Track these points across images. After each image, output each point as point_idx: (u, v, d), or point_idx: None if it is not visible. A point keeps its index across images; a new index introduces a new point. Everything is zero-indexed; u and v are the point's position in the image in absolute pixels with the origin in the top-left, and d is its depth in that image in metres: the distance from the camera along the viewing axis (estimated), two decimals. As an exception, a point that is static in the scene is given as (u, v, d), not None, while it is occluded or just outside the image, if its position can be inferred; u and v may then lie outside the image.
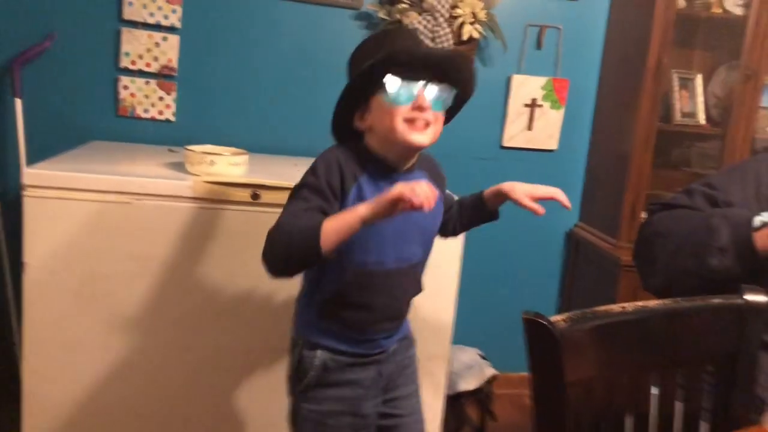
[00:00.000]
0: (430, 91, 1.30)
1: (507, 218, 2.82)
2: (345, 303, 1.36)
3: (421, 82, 1.28)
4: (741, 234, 1.32)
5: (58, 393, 1.85)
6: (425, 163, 1.45)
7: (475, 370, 2.44)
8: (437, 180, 1.44)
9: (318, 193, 1.27)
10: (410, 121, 1.29)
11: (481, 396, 2.48)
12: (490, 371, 2.45)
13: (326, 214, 1.23)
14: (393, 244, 1.35)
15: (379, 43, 1.35)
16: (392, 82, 1.27)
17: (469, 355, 2.50)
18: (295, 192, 1.31)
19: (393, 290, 1.39)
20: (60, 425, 1.86)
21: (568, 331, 0.97)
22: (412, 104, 1.28)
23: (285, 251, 1.22)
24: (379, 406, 1.46)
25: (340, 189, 1.29)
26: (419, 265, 1.44)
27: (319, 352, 1.38)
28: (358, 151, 1.35)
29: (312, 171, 1.32)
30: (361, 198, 1.29)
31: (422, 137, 1.31)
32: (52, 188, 1.76)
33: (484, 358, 2.55)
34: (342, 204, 1.29)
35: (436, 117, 1.32)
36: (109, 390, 1.87)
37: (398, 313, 1.44)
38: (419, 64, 1.29)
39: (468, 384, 2.41)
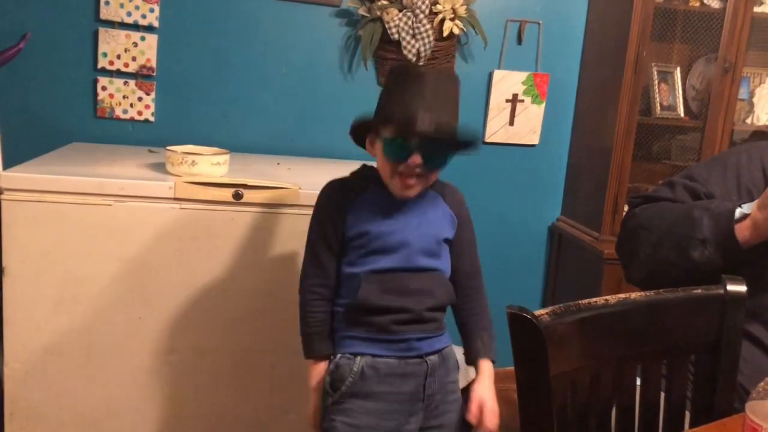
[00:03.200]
0: (425, 152, 1.34)
1: (489, 213, 2.85)
2: (366, 307, 1.40)
3: (415, 144, 1.33)
4: (723, 226, 1.33)
5: (39, 397, 1.83)
6: (443, 188, 1.52)
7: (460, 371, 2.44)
8: (453, 206, 1.50)
9: (322, 242, 1.45)
10: (401, 174, 1.37)
11: (465, 397, 2.47)
12: (473, 372, 2.45)
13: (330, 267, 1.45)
14: (399, 247, 1.41)
15: (400, 87, 1.37)
16: (387, 142, 1.36)
17: (457, 355, 2.50)
18: (307, 246, 1.49)
19: (410, 292, 1.41)
20: (43, 429, 1.84)
21: (552, 324, 0.98)
22: (403, 165, 1.35)
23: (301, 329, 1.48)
24: (419, 426, 1.42)
25: (341, 218, 1.44)
26: (432, 271, 1.45)
27: (358, 359, 1.40)
28: (365, 174, 1.50)
29: (313, 218, 1.49)
30: (357, 216, 1.42)
31: (410, 191, 1.40)
32: (31, 191, 1.74)
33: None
34: (347, 222, 1.43)
35: (428, 173, 1.39)
36: (92, 394, 1.86)
37: (424, 314, 1.42)
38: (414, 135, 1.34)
39: None
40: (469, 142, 1.40)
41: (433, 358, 1.44)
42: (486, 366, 1.49)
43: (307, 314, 1.45)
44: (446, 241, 1.47)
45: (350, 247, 1.43)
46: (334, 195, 1.47)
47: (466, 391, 1.49)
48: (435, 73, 1.39)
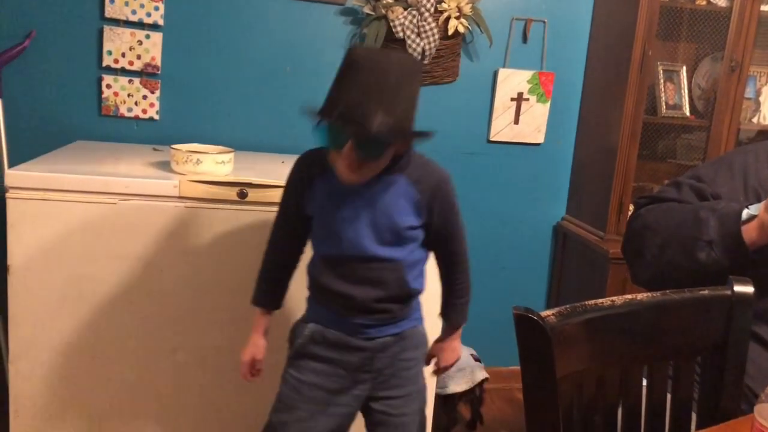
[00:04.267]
0: (359, 141, 1.28)
1: (494, 212, 2.85)
2: (320, 287, 1.46)
3: (347, 132, 1.29)
4: (729, 227, 1.32)
5: (44, 395, 1.83)
6: (417, 171, 1.41)
7: (465, 372, 2.44)
8: (423, 189, 1.41)
9: (283, 214, 1.52)
10: (343, 160, 1.32)
11: (472, 397, 2.48)
12: (481, 374, 2.45)
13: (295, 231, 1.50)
14: (346, 235, 1.40)
15: (341, 73, 1.31)
16: (320, 129, 1.32)
17: (462, 356, 2.49)
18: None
19: (359, 280, 1.41)
20: (47, 427, 1.85)
21: (558, 325, 0.97)
22: (341, 152, 1.30)
23: None
24: (364, 397, 1.49)
25: (301, 192, 1.46)
26: (386, 262, 1.41)
27: (311, 325, 1.48)
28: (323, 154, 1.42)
29: (285, 183, 1.51)
30: (313, 196, 1.44)
31: (353, 176, 1.33)
32: (36, 189, 1.74)
33: (477, 359, 2.54)
34: (306, 199, 1.45)
35: (368, 161, 1.32)
36: (97, 391, 1.86)
37: (371, 305, 1.43)
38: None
39: (458, 386, 2.41)
40: (402, 133, 1.32)
41: (385, 339, 1.47)
42: (452, 331, 1.60)
43: (260, 267, 1.56)
44: (413, 228, 1.42)
45: (310, 224, 1.47)
46: (302, 169, 1.47)
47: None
48: (377, 59, 1.28)
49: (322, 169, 1.40)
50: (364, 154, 1.29)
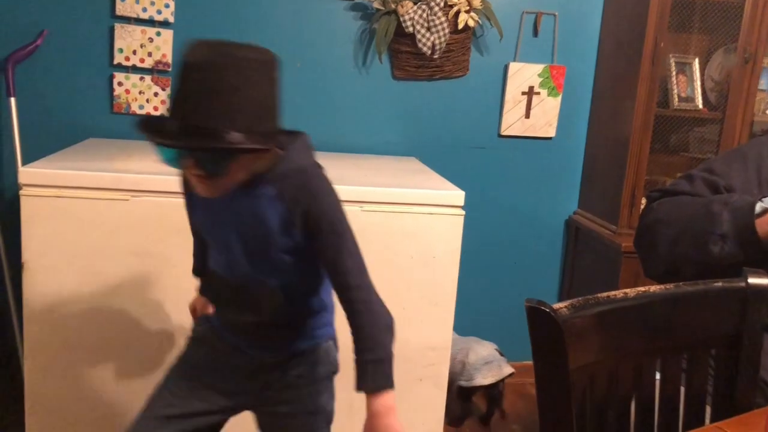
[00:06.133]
0: (194, 156, 1.13)
1: (505, 207, 2.84)
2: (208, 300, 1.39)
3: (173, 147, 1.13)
4: (743, 220, 1.31)
5: (59, 391, 1.85)
6: (284, 179, 1.21)
7: (493, 366, 2.42)
8: (292, 205, 1.20)
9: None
10: (190, 173, 1.17)
11: (494, 392, 2.47)
12: (508, 369, 2.43)
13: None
14: (214, 249, 1.30)
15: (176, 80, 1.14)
16: (158, 149, 1.14)
17: (488, 349, 2.48)
18: None
19: (234, 303, 1.31)
20: (62, 424, 1.86)
21: (570, 318, 0.97)
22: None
23: None
24: (245, 406, 1.40)
25: (187, 203, 1.36)
26: (261, 288, 1.27)
27: (206, 322, 1.41)
28: None
29: None
30: (192, 209, 1.35)
31: (205, 191, 1.18)
32: (49, 187, 1.75)
33: (501, 354, 2.53)
34: (189, 210, 1.37)
35: (213, 175, 1.15)
36: (111, 388, 1.87)
37: (251, 329, 1.32)
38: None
39: (485, 379, 2.39)
40: (236, 143, 1.10)
41: (275, 358, 1.35)
42: (372, 402, 1.20)
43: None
44: (287, 250, 1.23)
45: None
46: (184, 179, 1.31)
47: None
48: (210, 59, 1.09)
49: None
50: (204, 168, 1.13)
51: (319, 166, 1.28)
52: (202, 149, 1.11)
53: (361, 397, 1.21)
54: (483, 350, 2.47)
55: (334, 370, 1.40)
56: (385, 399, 1.21)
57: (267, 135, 1.15)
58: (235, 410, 1.40)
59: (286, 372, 1.35)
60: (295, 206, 1.20)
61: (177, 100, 1.12)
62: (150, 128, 1.12)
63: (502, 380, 2.44)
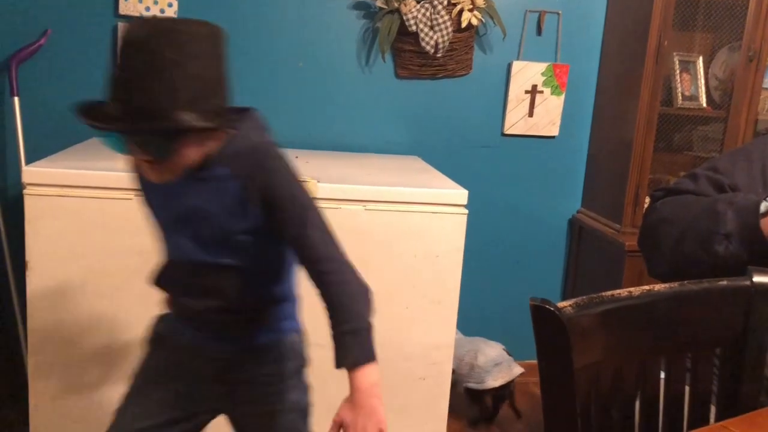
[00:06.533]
0: (136, 140, 1.09)
1: (508, 206, 2.84)
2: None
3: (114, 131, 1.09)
4: (747, 220, 1.30)
5: (63, 389, 1.85)
6: (237, 160, 1.16)
7: (502, 367, 2.41)
8: (245, 181, 1.16)
9: None
10: (137, 157, 1.14)
11: (504, 392, 2.47)
12: (517, 369, 2.43)
13: None
14: (171, 235, 1.25)
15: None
16: (103, 136, 1.11)
17: (496, 350, 2.47)
18: None
19: (190, 288, 1.25)
20: (66, 422, 1.87)
21: (575, 316, 0.96)
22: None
23: None
24: (215, 412, 1.35)
25: (140, 188, 1.32)
26: (219, 269, 1.21)
27: (162, 318, 1.38)
28: None
29: None
30: (145, 194, 1.31)
31: (154, 176, 1.14)
32: (53, 186, 1.76)
33: (509, 354, 2.53)
34: (143, 195, 1.32)
35: (162, 159, 1.11)
36: (114, 386, 1.87)
37: (209, 316, 1.25)
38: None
39: (495, 381, 2.39)
40: (180, 123, 1.05)
41: (237, 352, 1.29)
42: (354, 378, 1.11)
43: None
44: (244, 232, 1.18)
45: None
46: (133, 165, 1.28)
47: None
48: (144, 37, 1.02)
49: None
50: (148, 153, 1.09)
51: (272, 143, 1.22)
52: (141, 131, 1.06)
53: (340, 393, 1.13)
54: (491, 351, 2.45)
55: (303, 363, 1.36)
56: (368, 373, 1.10)
57: (214, 113, 1.09)
58: (208, 415, 1.34)
59: (253, 371, 1.30)
60: (251, 184, 1.15)
61: (116, 82, 1.07)
62: (89, 113, 1.08)
63: (512, 380, 2.44)
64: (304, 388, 1.36)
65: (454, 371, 2.44)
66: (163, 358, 1.33)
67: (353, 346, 1.12)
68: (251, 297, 1.26)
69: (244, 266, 1.22)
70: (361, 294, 1.16)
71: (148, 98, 1.03)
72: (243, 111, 1.23)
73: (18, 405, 1.90)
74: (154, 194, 1.26)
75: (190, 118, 1.05)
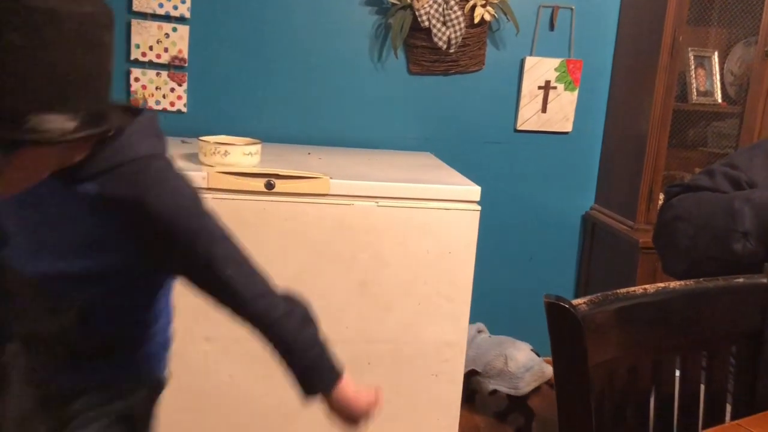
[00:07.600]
0: None
1: (522, 202, 2.83)
2: None
3: None
4: (766, 217, 1.29)
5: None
6: (110, 177, 0.93)
7: (534, 370, 2.39)
8: (123, 209, 0.93)
9: None
10: None
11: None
12: (549, 370, 2.36)
13: None
14: (21, 250, 1.00)
15: None
16: None
17: (525, 353, 2.42)
18: None
19: (27, 303, 1.04)
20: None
21: (590, 313, 0.96)
22: None
23: None
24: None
25: None
26: (63, 296, 1.00)
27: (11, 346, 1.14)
28: None
29: None
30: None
31: None
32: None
33: (538, 354, 2.48)
34: None
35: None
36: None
37: (44, 348, 1.05)
38: None
39: (528, 386, 2.36)
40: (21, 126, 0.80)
41: (69, 388, 1.08)
42: (329, 399, 1.05)
43: None
44: (90, 275, 0.97)
45: None
46: None
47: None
48: None
49: None
50: None
51: (161, 156, 0.98)
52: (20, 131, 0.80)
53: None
54: (521, 356, 2.40)
55: (143, 412, 1.21)
56: (341, 387, 1.04)
57: (83, 116, 0.85)
58: None
59: (96, 408, 1.09)
60: (122, 210, 0.92)
61: None
62: None
63: (547, 383, 2.42)
64: None
65: (479, 373, 2.43)
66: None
67: (321, 375, 1.04)
68: (98, 333, 1.05)
69: (91, 303, 1.01)
70: (303, 315, 1.05)
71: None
72: (133, 113, 1.00)
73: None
74: (13, 210, 1.00)
75: (39, 123, 0.80)
